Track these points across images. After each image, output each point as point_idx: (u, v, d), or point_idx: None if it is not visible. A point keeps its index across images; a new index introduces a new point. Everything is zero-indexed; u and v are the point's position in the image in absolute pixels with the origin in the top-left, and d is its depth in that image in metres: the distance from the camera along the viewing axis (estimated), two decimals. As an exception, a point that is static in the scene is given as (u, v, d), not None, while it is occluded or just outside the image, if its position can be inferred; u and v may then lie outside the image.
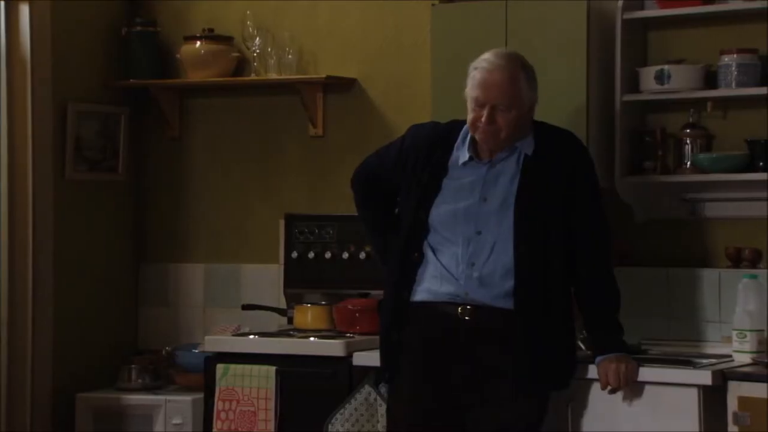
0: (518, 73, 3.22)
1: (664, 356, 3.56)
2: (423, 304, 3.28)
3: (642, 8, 3.90)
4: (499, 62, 3.23)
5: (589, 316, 3.35)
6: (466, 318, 3.23)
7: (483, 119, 3.20)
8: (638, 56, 3.94)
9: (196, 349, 4.28)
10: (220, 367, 3.90)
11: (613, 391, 3.29)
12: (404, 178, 3.37)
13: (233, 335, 4.16)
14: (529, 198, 3.24)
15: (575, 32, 3.79)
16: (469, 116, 3.26)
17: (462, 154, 3.31)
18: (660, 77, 3.78)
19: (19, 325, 4.30)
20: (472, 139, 3.31)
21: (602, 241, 3.33)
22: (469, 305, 3.23)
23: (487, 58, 3.25)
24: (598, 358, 3.32)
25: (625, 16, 3.83)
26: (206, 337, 4.09)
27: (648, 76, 3.82)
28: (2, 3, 4.26)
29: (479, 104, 3.22)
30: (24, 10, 4.26)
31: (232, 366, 3.88)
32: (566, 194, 3.27)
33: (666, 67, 3.79)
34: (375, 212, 3.52)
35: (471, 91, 3.24)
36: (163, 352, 4.43)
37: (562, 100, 3.82)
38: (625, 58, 3.83)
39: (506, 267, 3.21)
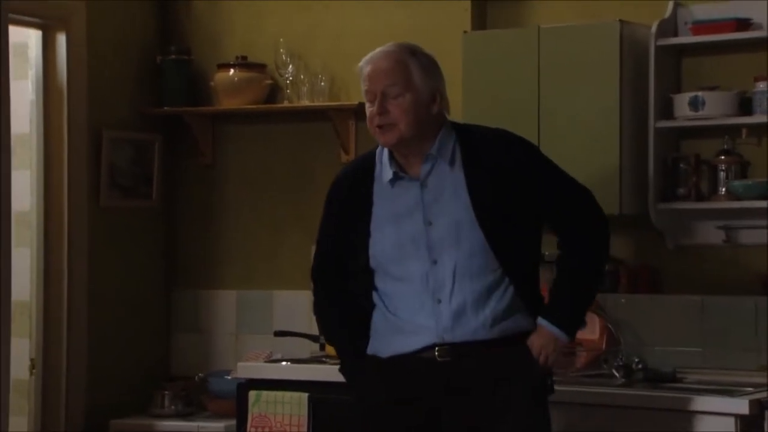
0: (406, 58, 2.87)
1: (700, 385, 3.53)
2: (391, 359, 2.85)
3: (675, 35, 3.89)
4: (384, 50, 2.89)
5: (557, 281, 2.91)
6: (447, 359, 2.80)
7: (374, 109, 2.82)
8: (672, 83, 3.93)
9: (228, 375, 4.29)
10: (252, 394, 3.89)
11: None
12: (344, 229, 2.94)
13: (265, 362, 4.15)
14: (490, 208, 2.82)
15: (608, 59, 3.79)
16: (367, 118, 2.87)
17: (385, 173, 2.89)
18: (694, 103, 3.76)
19: (53, 352, 4.32)
20: (391, 155, 2.90)
21: (581, 204, 2.91)
22: (447, 344, 2.80)
23: (373, 52, 2.91)
24: (540, 319, 2.88)
25: (658, 43, 3.82)
26: (238, 364, 4.09)
27: (682, 102, 3.80)
28: (40, 32, 4.32)
29: (370, 98, 2.85)
30: (61, 39, 4.31)
31: (265, 392, 3.88)
32: (525, 188, 2.85)
33: (700, 93, 3.78)
34: (344, 306, 2.97)
35: (362, 88, 2.88)
36: (196, 379, 4.43)
37: (595, 126, 3.82)
38: (658, 85, 3.82)
39: (476, 292, 2.81)
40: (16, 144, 4.34)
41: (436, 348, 2.80)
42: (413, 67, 2.86)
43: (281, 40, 4.47)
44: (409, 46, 2.92)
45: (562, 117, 3.84)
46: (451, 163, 2.86)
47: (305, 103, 4.44)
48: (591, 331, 3.86)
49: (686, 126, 3.85)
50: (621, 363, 3.65)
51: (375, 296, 2.89)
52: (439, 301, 2.81)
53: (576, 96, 3.84)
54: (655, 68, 3.82)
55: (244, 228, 4.67)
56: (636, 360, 3.70)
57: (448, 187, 2.84)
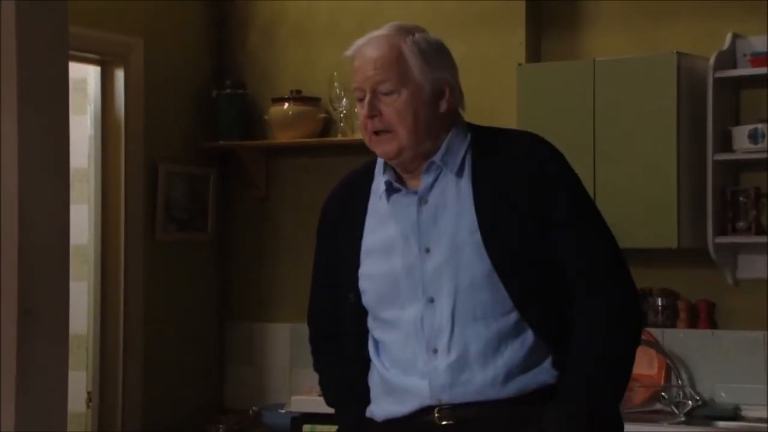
0: (399, 43, 2.21)
1: (763, 422, 3.46)
2: (387, 423, 2.26)
3: (734, 66, 3.85)
4: (373, 34, 2.25)
5: (567, 371, 2.17)
6: (450, 422, 2.18)
7: (365, 111, 2.21)
8: (730, 115, 3.89)
9: (282, 409, 4.28)
10: (306, 428, 3.89)
11: None
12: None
13: (319, 396, 4.14)
14: (501, 231, 2.17)
15: (665, 91, 3.76)
16: (360, 123, 2.28)
17: (378, 184, 2.28)
18: (754, 136, 3.72)
19: (109, 384, 4.35)
20: (388, 165, 2.27)
21: (598, 264, 2.17)
22: (447, 406, 2.19)
23: (363, 38, 2.27)
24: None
25: (716, 75, 3.78)
26: (293, 398, 4.09)
27: (741, 135, 3.76)
28: (98, 68, 4.38)
29: (359, 95, 2.24)
30: (119, 75, 4.37)
31: (319, 427, 3.86)
32: (542, 213, 2.18)
33: (760, 126, 3.73)
34: (343, 361, 2.35)
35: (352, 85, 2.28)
36: (250, 412, 4.43)
37: (652, 159, 3.78)
38: (716, 117, 3.79)
39: (482, 339, 2.16)
40: (74, 178, 4.37)
41: (436, 410, 2.18)
42: (409, 54, 2.21)
43: (335, 73, 4.49)
44: (404, 27, 2.25)
45: (619, 150, 3.81)
46: (459, 173, 2.22)
47: (359, 136, 4.45)
48: (649, 366, 3.81)
49: (745, 159, 3.80)
50: (680, 399, 3.60)
51: (371, 344, 2.28)
52: (435, 352, 2.18)
53: (632, 129, 3.81)
54: (714, 100, 3.78)
55: (298, 261, 4.67)
56: (696, 397, 3.65)
57: (452, 204, 2.21)
